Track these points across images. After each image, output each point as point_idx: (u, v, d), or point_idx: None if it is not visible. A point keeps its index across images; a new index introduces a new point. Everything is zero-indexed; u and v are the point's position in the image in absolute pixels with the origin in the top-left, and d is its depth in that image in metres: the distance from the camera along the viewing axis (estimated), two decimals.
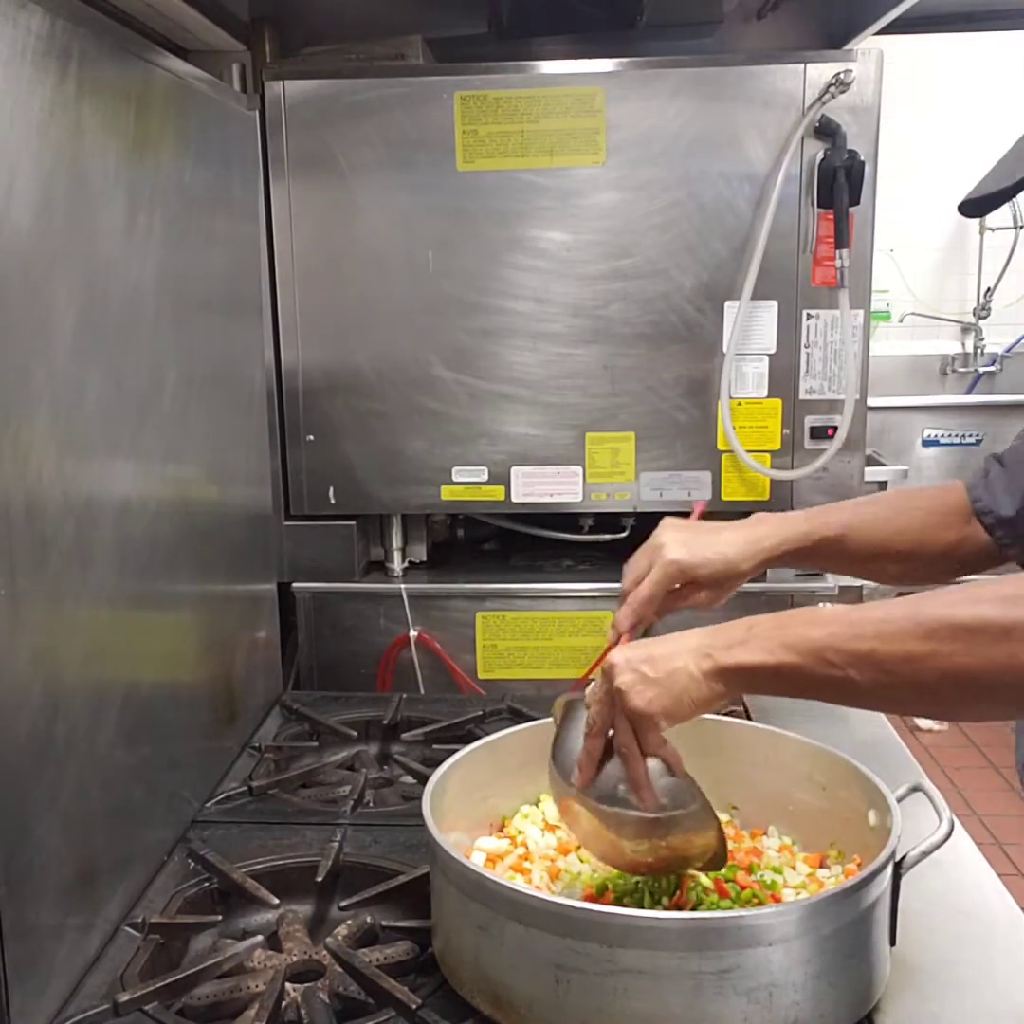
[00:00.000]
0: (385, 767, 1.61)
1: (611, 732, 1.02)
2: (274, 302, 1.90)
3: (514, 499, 1.96)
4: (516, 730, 1.28)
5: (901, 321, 4.56)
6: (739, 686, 0.97)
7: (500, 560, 2.16)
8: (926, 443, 4.02)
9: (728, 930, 0.92)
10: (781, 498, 1.95)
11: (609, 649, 1.13)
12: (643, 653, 0.99)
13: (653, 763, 1.01)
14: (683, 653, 0.97)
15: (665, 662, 0.97)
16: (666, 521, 1.25)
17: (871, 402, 1.95)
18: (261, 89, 1.85)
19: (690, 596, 1.23)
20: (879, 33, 1.93)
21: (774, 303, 1.88)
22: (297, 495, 1.97)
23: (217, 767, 1.53)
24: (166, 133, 1.36)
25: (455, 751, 1.21)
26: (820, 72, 1.79)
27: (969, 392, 4.50)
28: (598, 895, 1.08)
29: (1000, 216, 4.43)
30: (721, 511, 2.03)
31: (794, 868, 1.15)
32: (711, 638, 0.97)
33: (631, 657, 0.99)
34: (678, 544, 1.20)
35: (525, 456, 1.94)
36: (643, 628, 1.20)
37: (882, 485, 2.95)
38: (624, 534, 2.09)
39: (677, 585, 1.21)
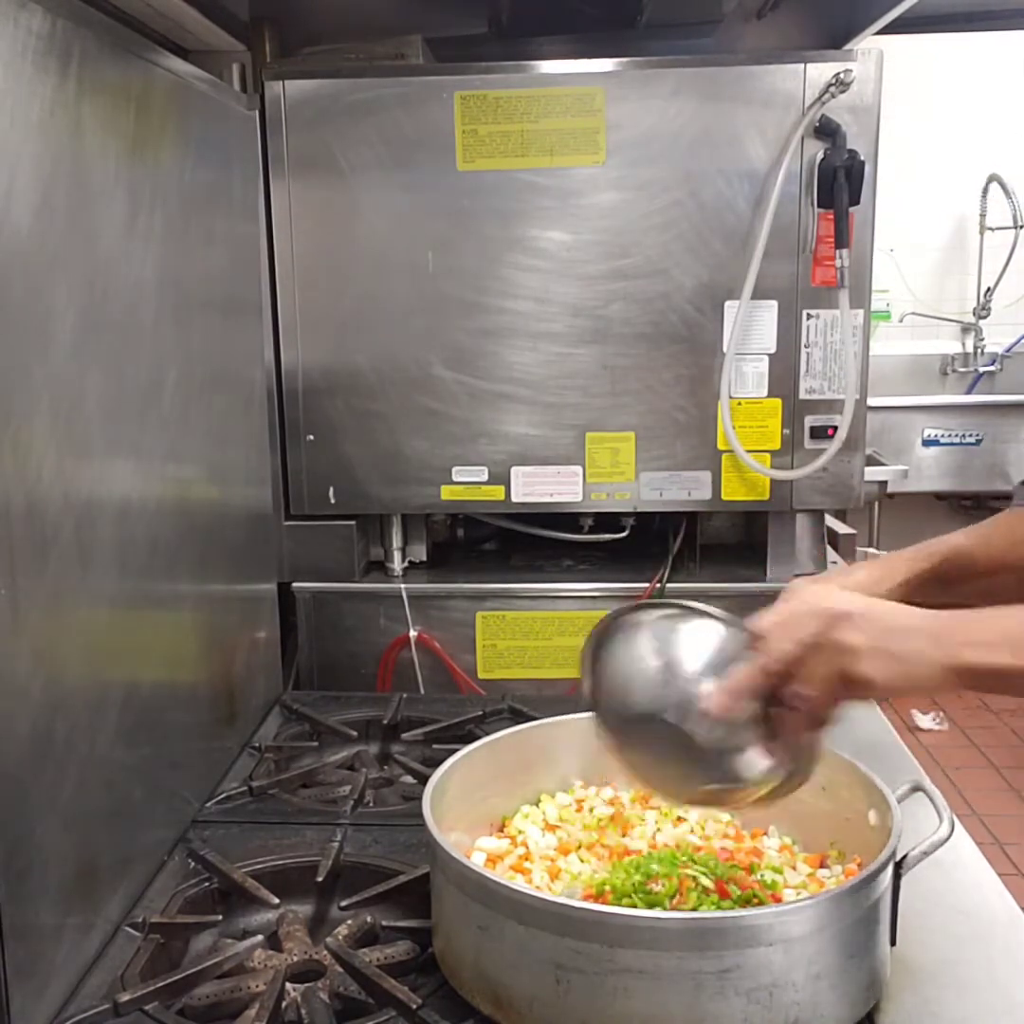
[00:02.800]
0: (385, 767, 1.61)
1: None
2: (274, 302, 1.90)
3: (514, 499, 1.96)
4: (516, 730, 1.28)
5: (901, 321, 4.56)
6: (970, 684, 0.90)
7: (500, 560, 2.16)
8: (926, 443, 4.01)
9: (728, 930, 0.92)
10: (781, 498, 1.94)
11: None
12: (875, 617, 0.92)
13: None
14: (920, 636, 0.90)
15: (904, 639, 0.90)
16: (797, 581, 1.15)
17: (871, 402, 1.94)
18: (261, 89, 1.85)
19: None
20: (879, 33, 1.92)
21: (774, 303, 1.87)
22: (297, 495, 1.97)
23: (217, 767, 1.53)
24: (166, 133, 1.36)
25: (455, 751, 1.21)
26: (820, 72, 1.79)
27: (969, 392, 4.50)
28: (598, 895, 1.08)
29: (1000, 216, 4.43)
30: (720, 511, 2.04)
31: (794, 868, 1.15)
32: (950, 630, 0.90)
33: (862, 618, 0.91)
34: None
35: (525, 456, 1.94)
36: None
37: (882, 485, 2.94)
38: (624, 534, 2.09)
39: None
